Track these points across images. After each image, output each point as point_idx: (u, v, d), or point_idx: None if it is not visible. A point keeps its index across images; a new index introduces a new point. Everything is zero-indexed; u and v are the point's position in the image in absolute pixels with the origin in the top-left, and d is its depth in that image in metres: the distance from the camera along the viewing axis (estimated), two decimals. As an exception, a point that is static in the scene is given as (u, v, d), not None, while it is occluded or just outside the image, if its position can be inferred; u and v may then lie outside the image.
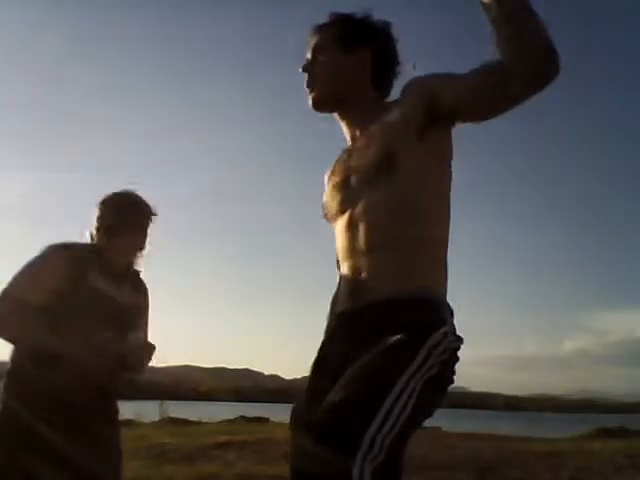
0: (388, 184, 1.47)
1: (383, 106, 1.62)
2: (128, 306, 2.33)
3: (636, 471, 7.05)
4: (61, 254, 2.22)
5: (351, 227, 1.52)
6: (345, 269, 1.54)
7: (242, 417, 15.70)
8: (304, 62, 1.70)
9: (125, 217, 2.28)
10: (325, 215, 1.64)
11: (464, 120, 1.51)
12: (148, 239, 2.35)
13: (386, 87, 1.68)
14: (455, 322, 1.46)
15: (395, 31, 1.68)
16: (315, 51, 1.69)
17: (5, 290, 2.14)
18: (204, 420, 14.92)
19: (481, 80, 1.41)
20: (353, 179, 1.55)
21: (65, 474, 2.09)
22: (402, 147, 1.48)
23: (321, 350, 1.55)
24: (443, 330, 1.37)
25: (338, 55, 1.65)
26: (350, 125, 1.67)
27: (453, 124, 1.53)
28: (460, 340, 1.43)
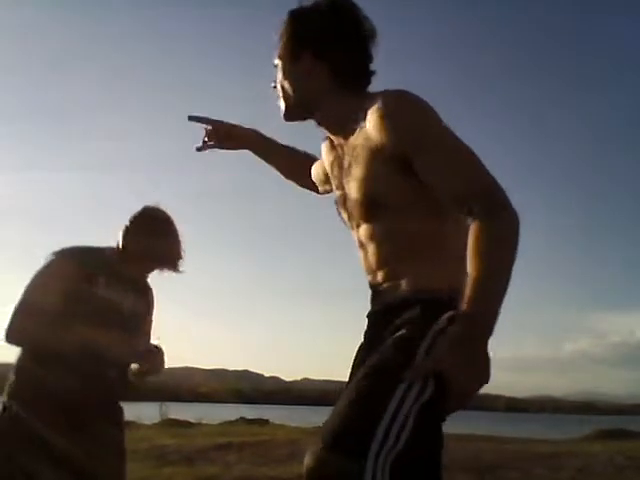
0: (381, 219, 1.43)
1: (361, 105, 1.43)
2: (134, 312, 2.36)
3: (636, 472, 7.07)
4: (73, 257, 2.27)
5: (361, 246, 1.51)
6: (367, 277, 1.54)
7: (242, 419, 15.69)
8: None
9: (170, 226, 2.41)
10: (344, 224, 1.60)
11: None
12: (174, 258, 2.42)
13: (357, 80, 1.51)
14: None
15: (352, 17, 1.50)
16: (276, 61, 1.59)
17: (23, 300, 2.21)
18: (204, 422, 14.88)
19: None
20: (349, 206, 1.50)
21: (66, 475, 2.11)
22: (384, 184, 1.40)
23: (356, 354, 1.56)
24: (449, 315, 1.31)
25: (288, 64, 1.54)
26: (330, 131, 1.57)
27: None
28: None
